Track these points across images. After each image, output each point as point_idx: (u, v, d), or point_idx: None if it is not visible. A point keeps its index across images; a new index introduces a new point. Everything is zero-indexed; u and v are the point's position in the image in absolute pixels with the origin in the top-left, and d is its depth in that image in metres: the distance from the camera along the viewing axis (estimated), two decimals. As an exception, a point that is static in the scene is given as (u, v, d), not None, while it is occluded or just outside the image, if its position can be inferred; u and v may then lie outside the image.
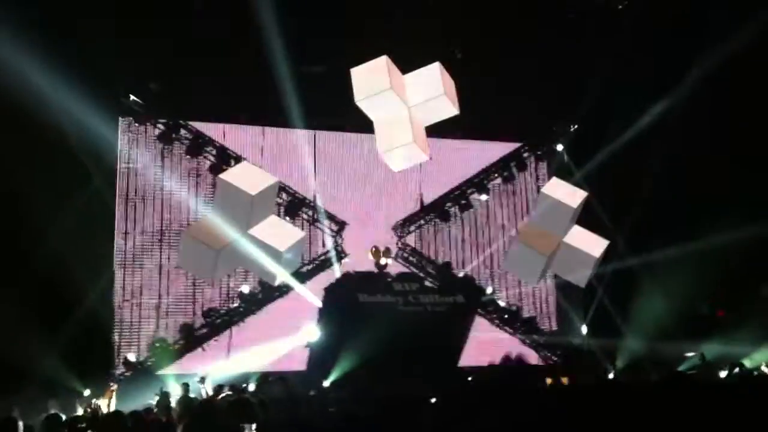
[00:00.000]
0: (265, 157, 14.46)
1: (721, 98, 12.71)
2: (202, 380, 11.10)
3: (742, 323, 12.77)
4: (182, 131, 14.39)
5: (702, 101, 12.52)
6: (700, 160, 12.98)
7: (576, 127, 16.56)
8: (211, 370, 12.32)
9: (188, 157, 14.41)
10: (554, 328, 16.44)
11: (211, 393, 10.53)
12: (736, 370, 11.00)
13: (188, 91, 14.01)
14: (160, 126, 14.30)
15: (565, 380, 11.96)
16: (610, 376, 13.40)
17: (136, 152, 14.22)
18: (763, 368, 10.97)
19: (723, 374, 11.29)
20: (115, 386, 10.93)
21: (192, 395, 10.44)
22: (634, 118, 13.66)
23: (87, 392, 11.23)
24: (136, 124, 14.22)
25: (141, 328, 13.72)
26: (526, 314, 16.28)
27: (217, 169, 14.22)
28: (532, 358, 15.04)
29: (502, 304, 16.06)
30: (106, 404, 10.55)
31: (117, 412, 6.81)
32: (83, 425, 5.37)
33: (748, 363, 11.57)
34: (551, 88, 14.39)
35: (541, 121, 16.30)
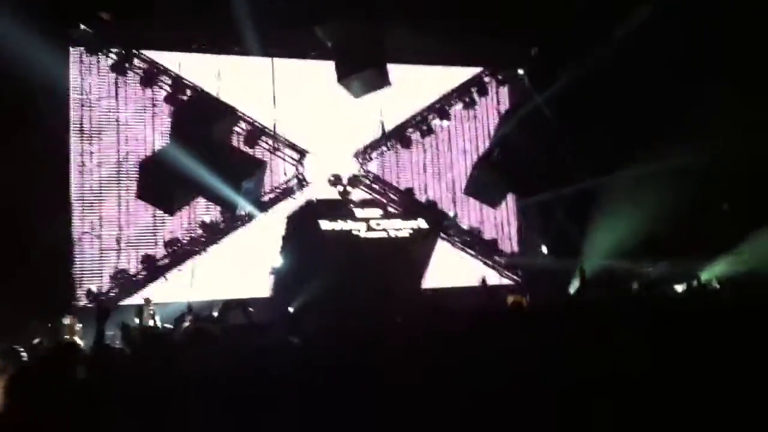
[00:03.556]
0: (222, 85, 14.16)
1: (687, 18, 12.62)
2: (147, 302, 11.12)
3: (699, 239, 13.11)
4: (136, 61, 14.05)
5: (666, 21, 12.43)
6: (662, 82, 13.00)
7: (537, 50, 16.47)
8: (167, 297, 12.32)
9: (143, 87, 14.11)
10: (515, 249, 16.72)
11: (156, 316, 10.60)
12: (695, 283, 11.36)
13: (141, 20, 13.63)
14: (113, 56, 13.93)
15: (523, 300, 12.23)
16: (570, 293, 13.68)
17: (89, 83, 13.90)
18: (714, 283, 11.35)
19: (680, 288, 11.64)
20: (68, 319, 10.81)
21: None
22: (597, 41, 13.58)
23: (66, 320, 11.14)
24: (88, 55, 13.84)
25: (103, 260, 13.68)
26: (487, 237, 16.51)
27: (172, 99, 14.01)
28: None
29: (464, 227, 16.26)
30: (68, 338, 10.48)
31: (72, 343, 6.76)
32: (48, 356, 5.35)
33: (703, 277, 11.93)
34: (512, 11, 14.23)
35: (502, 45, 16.17)
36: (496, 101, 17.01)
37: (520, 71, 16.77)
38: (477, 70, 16.70)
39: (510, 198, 16.01)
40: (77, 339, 8.97)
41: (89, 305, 13.04)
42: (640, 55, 13.15)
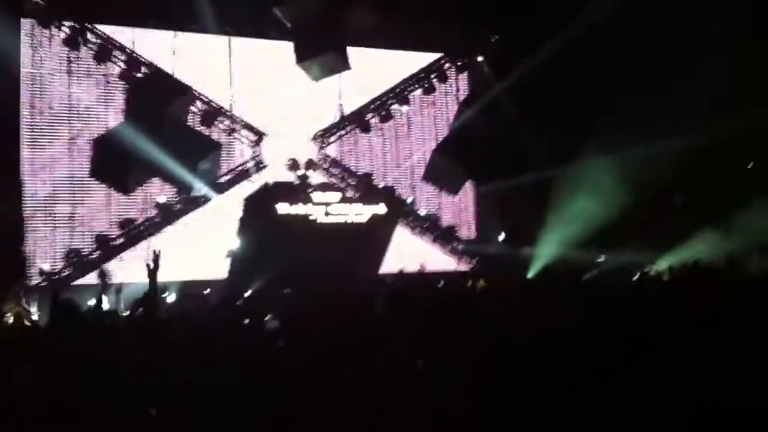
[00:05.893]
0: (177, 63, 13.88)
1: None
2: (119, 291, 10.91)
3: (651, 231, 13.28)
4: (89, 35, 13.70)
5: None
6: (627, 67, 13.01)
7: (497, 38, 16.48)
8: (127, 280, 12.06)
9: (97, 63, 13.78)
10: (472, 236, 16.80)
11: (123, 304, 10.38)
12: (650, 272, 11.50)
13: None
14: (66, 30, 13.56)
15: (483, 283, 12.29)
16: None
17: (40, 57, 13.53)
18: (666, 274, 11.51)
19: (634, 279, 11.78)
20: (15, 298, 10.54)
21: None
22: (558, 29, 13.57)
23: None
24: (40, 27, 13.44)
25: (55, 239, 13.39)
26: (445, 223, 16.55)
27: (127, 75, 13.72)
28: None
29: (422, 213, 16.28)
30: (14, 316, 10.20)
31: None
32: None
33: (655, 269, 12.10)
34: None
35: (462, 31, 16.14)
36: (455, 87, 16.99)
37: (480, 58, 16.77)
38: (437, 55, 16.65)
39: (469, 184, 16.06)
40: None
41: (42, 284, 12.79)
42: (600, 43, 13.16)
